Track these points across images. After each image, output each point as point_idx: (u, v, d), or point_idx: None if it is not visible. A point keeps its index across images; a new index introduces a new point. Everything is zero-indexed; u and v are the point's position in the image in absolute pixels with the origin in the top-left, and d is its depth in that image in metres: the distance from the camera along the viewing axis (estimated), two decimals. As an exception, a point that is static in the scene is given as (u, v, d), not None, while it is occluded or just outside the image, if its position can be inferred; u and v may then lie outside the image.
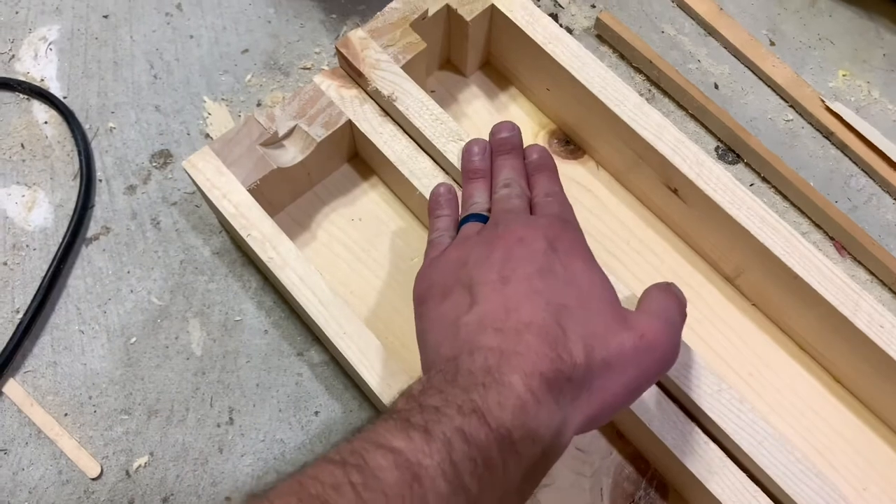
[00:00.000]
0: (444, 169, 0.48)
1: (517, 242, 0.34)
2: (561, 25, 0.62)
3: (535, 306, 0.31)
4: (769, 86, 0.60)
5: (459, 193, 0.47)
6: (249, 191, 0.47)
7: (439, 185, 0.46)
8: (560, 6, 0.63)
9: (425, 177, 0.48)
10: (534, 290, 0.32)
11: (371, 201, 0.54)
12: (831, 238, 0.55)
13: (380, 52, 0.49)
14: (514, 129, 0.46)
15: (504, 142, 0.45)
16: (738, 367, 0.49)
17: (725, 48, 0.62)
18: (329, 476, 0.24)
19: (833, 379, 0.49)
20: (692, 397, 0.42)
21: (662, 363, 0.34)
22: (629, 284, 0.51)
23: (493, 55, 0.57)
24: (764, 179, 0.57)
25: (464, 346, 0.31)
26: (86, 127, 0.58)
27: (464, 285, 0.33)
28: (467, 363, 0.29)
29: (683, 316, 0.38)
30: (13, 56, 0.61)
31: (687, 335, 0.49)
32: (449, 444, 0.26)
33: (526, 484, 0.29)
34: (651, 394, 0.42)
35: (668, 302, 0.36)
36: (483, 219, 0.40)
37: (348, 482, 0.24)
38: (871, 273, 0.54)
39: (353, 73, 0.50)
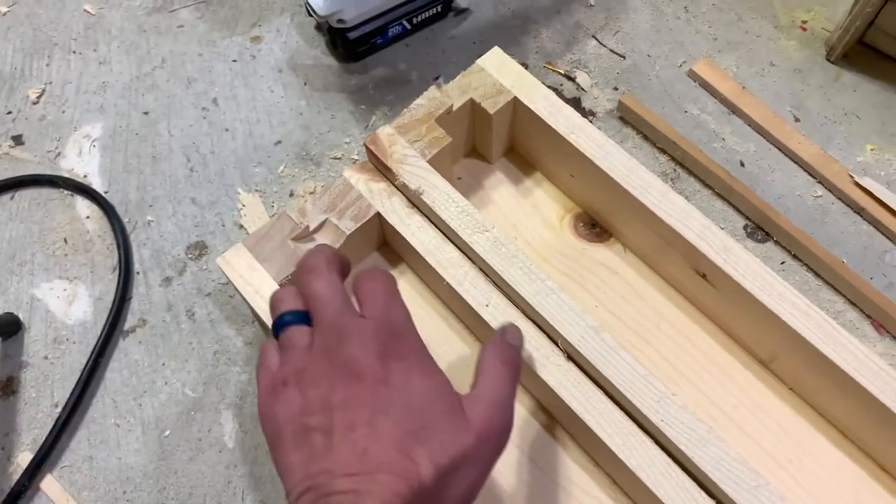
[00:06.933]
0: (470, 258, 0.49)
1: (355, 379, 0.35)
2: (584, 108, 0.63)
3: (384, 447, 0.33)
4: (796, 162, 0.60)
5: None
6: (281, 286, 0.48)
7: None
8: (583, 90, 0.64)
9: (452, 266, 0.49)
10: (379, 431, 0.34)
11: (400, 288, 0.54)
12: (868, 316, 0.54)
13: (406, 147, 0.51)
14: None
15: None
16: (777, 454, 0.48)
17: (750, 126, 0.62)
18: None
19: (879, 467, 0.47)
20: (729, 494, 0.40)
21: (499, 447, 0.37)
22: (661, 369, 0.51)
23: (518, 143, 0.58)
24: (795, 257, 0.56)
25: (321, 492, 0.32)
26: (125, 220, 0.60)
27: (312, 435, 0.34)
28: None
29: (515, 375, 0.39)
30: (59, 153, 0.64)
31: (722, 422, 0.49)
32: None
33: None
34: (685, 487, 0.41)
35: (498, 377, 0.38)
36: (300, 317, 0.38)
37: None
38: (913, 353, 0.52)
39: (381, 168, 0.52)
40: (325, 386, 0.35)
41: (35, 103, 0.66)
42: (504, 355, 0.40)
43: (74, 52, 0.69)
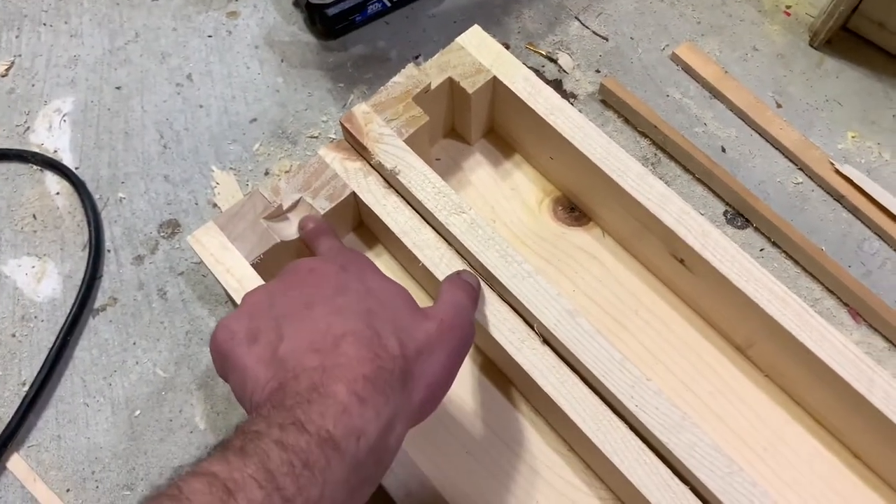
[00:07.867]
0: (446, 240, 0.48)
1: (308, 273, 0.37)
2: (565, 91, 0.62)
3: (345, 318, 0.34)
4: (777, 148, 0.60)
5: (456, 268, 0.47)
6: (253, 265, 0.47)
7: None
8: (564, 72, 0.63)
9: (428, 248, 0.48)
10: (338, 307, 0.35)
11: (376, 270, 0.53)
12: (846, 304, 0.54)
13: (383, 126, 0.50)
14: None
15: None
16: (752, 442, 0.48)
17: (732, 111, 0.62)
18: None
19: (853, 455, 0.47)
20: (702, 480, 0.40)
21: (463, 340, 0.38)
22: (637, 354, 0.50)
23: (497, 124, 0.57)
24: (774, 244, 0.56)
25: (288, 373, 0.32)
26: (96, 197, 0.59)
27: (270, 323, 0.35)
28: (293, 387, 0.31)
29: (473, 299, 0.43)
30: (28, 128, 0.62)
31: (698, 408, 0.49)
32: (265, 455, 0.27)
33: (354, 476, 0.30)
34: (659, 473, 0.41)
35: (456, 291, 0.41)
36: None
37: None
38: (889, 341, 0.52)
39: (357, 147, 0.51)
40: (281, 287, 0.37)
41: (4, 76, 0.65)
42: (461, 285, 0.42)
43: (45, 25, 0.67)
